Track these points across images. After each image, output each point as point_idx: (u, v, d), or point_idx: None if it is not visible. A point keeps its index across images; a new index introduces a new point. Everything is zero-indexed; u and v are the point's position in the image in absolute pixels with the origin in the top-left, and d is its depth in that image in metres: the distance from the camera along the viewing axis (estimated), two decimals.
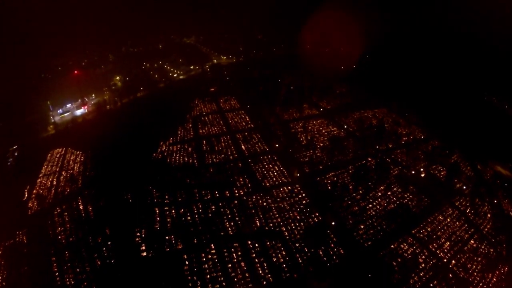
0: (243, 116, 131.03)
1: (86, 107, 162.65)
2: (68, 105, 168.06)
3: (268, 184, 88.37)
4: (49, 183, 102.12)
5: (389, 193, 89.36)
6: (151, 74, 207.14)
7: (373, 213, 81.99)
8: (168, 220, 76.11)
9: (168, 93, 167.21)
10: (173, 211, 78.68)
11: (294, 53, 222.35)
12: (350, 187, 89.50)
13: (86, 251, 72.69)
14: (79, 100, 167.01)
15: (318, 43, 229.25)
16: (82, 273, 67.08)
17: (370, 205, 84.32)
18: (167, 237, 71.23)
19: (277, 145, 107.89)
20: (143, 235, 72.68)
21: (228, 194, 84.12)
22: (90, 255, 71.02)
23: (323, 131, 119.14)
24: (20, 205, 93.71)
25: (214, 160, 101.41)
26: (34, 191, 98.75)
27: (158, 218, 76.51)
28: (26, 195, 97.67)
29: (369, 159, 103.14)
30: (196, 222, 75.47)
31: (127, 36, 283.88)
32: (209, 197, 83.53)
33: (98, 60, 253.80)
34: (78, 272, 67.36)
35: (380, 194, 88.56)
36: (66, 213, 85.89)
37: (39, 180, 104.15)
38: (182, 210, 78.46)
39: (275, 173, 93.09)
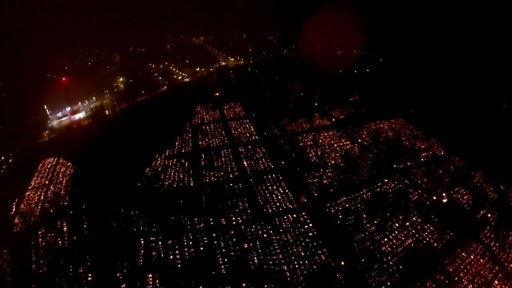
0: (247, 126, 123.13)
1: (75, 115, 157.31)
2: (68, 109, 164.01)
3: (270, 211, 79.41)
4: (36, 197, 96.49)
5: (407, 223, 79.23)
6: (155, 76, 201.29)
7: (389, 249, 72.11)
8: (154, 254, 68.30)
9: (170, 98, 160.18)
10: (160, 242, 70.81)
11: (305, 56, 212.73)
12: (364, 215, 79.67)
13: (66, 282, 66.18)
14: (71, 107, 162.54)
15: (330, 46, 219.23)
16: None
17: (386, 239, 74.35)
18: (150, 275, 63.14)
19: (283, 162, 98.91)
20: (124, 270, 65.17)
21: (224, 223, 75.69)
22: None
23: (335, 145, 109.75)
24: (6, 219, 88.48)
25: (212, 178, 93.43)
26: (21, 206, 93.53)
27: (142, 251, 68.69)
28: (13, 209, 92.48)
29: (386, 180, 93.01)
30: (185, 257, 67.28)
31: (136, 35, 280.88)
32: (202, 225, 75.31)
33: (104, 60, 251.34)
34: None
35: (397, 225, 78.49)
36: (49, 235, 79.96)
37: (27, 193, 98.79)
38: (170, 242, 70.42)
39: (279, 197, 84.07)
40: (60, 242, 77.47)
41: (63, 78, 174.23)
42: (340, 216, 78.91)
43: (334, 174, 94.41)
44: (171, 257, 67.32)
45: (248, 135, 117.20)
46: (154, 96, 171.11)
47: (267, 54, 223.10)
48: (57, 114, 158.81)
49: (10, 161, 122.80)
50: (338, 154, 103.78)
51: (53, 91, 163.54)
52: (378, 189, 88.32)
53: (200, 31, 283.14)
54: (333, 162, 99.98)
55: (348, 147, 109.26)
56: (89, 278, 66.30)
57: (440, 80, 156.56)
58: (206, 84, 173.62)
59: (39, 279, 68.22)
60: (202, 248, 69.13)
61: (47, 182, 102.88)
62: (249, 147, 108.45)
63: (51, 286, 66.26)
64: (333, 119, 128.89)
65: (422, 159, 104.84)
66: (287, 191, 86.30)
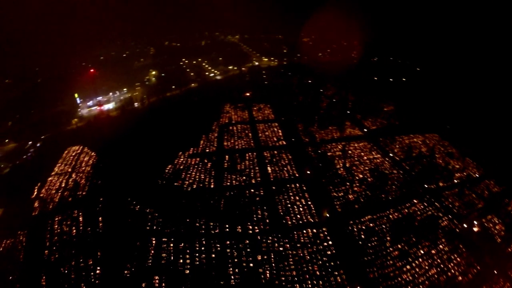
0: (275, 130, 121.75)
1: (102, 106, 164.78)
2: (99, 98, 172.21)
3: (289, 223, 76.86)
4: (58, 184, 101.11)
5: (433, 251, 73.32)
6: (187, 71, 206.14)
7: (410, 278, 66.79)
8: (163, 255, 68.14)
9: (200, 95, 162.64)
10: (171, 244, 70.79)
11: (340, 61, 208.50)
12: (388, 238, 74.80)
13: (75, 272, 68.33)
14: (100, 98, 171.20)
15: (365, 51, 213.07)
16: None
17: (408, 266, 69.04)
18: (156, 277, 63.02)
19: (308, 172, 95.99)
20: (132, 269, 65.79)
21: (240, 230, 74.19)
22: (77, 279, 66.67)
23: (365, 157, 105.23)
24: (28, 202, 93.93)
25: (233, 182, 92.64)
26: (43, 190, 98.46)
27: (152, 252, 69.02)
28: (35, 193, 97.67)
29: (415, 201, 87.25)
30: (195, 262, 66.57)
31: (173, 30, 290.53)
32: (216, 231, 74.33)
33: (139, 53, 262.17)
34: None
35: (422, 252, 72.79)
36: (64, 223, 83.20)
37: (50, 178, 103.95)
38: (182, 245, 70.09)
39: (300, 209, 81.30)
40: (74, 231, 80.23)
41: (91, 70, 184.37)
42: (363, 236, 74.69)
43: (361, 189, 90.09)
44: (181, 261, 66.94)
45: (275, 139, 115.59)
46: (184, 92, 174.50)
47: (301, 56, 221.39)
48: (88, 103, 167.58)
49: (38, 145, 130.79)
50: (367, 168, 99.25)
51: (84, 80, 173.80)
52: (406, 210, 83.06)
53: (236, 29, 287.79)
54: (361, 176, 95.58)
55: (378, 161, 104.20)
56: (97, 271, 67.76)
57: (483, 96, 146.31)
58: (238, 83, 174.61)
59: (49, 266, 70.82)
60: (213, 255, 68.07)
61: (69, 170, 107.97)
62: (275, 152, 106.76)
63: (59, 275, 68.15)
64: (365, 130, 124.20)
65: (455, 181, 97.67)
66: (309, 203, 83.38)
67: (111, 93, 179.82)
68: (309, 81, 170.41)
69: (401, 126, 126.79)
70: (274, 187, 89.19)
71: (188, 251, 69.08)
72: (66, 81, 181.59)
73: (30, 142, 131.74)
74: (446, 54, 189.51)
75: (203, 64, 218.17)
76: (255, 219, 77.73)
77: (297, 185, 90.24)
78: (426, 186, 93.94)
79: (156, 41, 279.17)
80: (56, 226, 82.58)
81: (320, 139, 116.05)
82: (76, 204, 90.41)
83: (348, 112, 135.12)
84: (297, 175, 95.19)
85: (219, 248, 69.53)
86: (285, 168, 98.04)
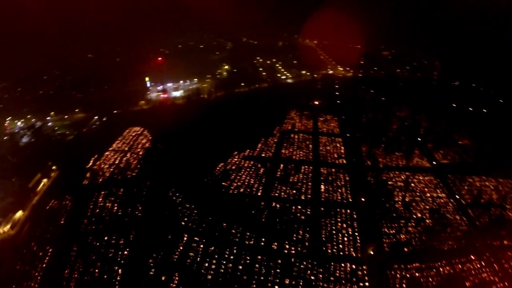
0: (338, 145, 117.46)
1: (166, 94, 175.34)
2: (169, 85, 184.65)
3: (329, 251, 71.84)
4: (112, 160, 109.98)
5: None
6: (259, 70, 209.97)
7: None
8: (191, 254, 68.70)
9: (267, 96, 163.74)
10: (201, 245, 71.18)
11: (420, 81, 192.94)
12: None
13: (104, 248, 72.96)
14: (164, 85, 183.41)
15: (449, 74, 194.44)
16: (84, 274, 67.04)
17: None
18: (177, 274, 63.84)
19: (363, 199, 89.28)
20: (158, 260, 67.80)
21: (275, 247, 71.41)
22: (104, 255, 71.08)
23: (428, 194, 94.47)
24: (81, 171, 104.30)
25: (282, 193, 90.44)
26: (97, 163, 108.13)
27: (181, 248, 70.24)
28: (90, 164, 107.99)
29: (472, 257, 74.52)
30: (219, 269, 65.83)
31: (253, 28, 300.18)
32: (251, 242, 72.60)
33: (215, 46, 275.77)
34: (80, 272, 67.69)
35: None
36: (108, 199, 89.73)
37: (107, 153, 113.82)
38: (212, 249, 69.84)
39: (345, 239, 75.71)
40: (115, 208, 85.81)
41: (159, 58, 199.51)
42: (404, 286, 65.88)
43: (415, 230, 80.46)
44: (206, 264, 66.70)
45: (335, 156, 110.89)
46: (253, 91, 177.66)
47: (378, 70, 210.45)
48: (158, 88, 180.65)
49: (104, 119, 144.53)
50: (427, 207, 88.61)
51: (154, 67, 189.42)
52: (460, 266, 71.50)
53: (316, 33, 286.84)
54: (419, 215, 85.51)
55: (442, 200, 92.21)
56: (125, 253, 71.30)
57: None
58: (308, 89, 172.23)
59: (83, 235, 76.71)
60: (240, 267, 66.47)
61: (126, 149, 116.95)
62: (333, 170, 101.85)
63: (90, 246, 73.29)
64: (434, 162, 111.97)
65: None
66: (356, 234, 77.33)
67: (181, 81, 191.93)
68: (382, 98, 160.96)
69: (474, 164, 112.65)
70: (322, 208, 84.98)
71: (216, 256, 68.58)
72: (140, 64, 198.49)
73: (96, 117, 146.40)
74: None
75: (277, 65, 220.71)
76: (294, 238, 74.35)
77: (348, 211, 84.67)
78: (489, 242, 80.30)
79: (234, 37, 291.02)
80: (100, 199, 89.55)
81: (383, 164, 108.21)
82: (123, 183, 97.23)
83: (419, 139, 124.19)
84: (350, 200, 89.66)
85: (248, 261, 67.69)
86: (339, 190, 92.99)
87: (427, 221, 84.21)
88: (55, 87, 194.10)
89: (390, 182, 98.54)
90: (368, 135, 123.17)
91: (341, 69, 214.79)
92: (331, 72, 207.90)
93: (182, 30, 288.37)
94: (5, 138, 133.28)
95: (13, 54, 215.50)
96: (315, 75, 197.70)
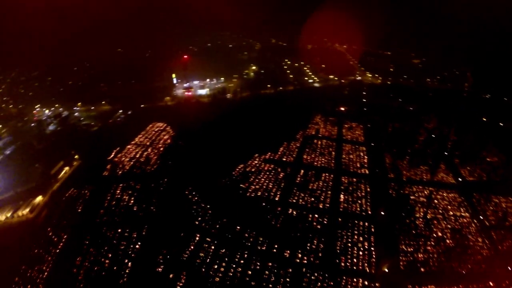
0: (361, 154, 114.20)
1: (190, 92, 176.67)
2: (195, 82, 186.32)
3: (342, 264, 69.28)
4: (133, 153, 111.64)
5: None
6: (287, 72, 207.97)
7: None
8: (201, 255, 68.13)
9: (293, 99, 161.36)
10: (213, 247, 70.47)
11: (451, 92, 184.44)
12: None
13: (117, 240, 74.12)
14: (197, 82, 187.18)
15: (481, 86, 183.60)
16: (95, 263, 68.33)
17: None
18: (184, 273, 63.42)
19: (382, 213, 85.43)
20: (168, 256, 67.91)
21: (287, 255, 69.50)
22: (116, 246, 72.15)
23: (451, 212, 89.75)
24: (103, 162, 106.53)
25: (300, 200, 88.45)
26: (119, 155, 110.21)
27: (192, 247, 69.96)
28: (111, 156, 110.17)
29: (491, 284, 68.82)
30: (228, 273, 64.85)
31: (280, 29, 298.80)
32: (263, 248, 71.04)
33: (245, 46, 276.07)
34: (91, 261, 68.90)
35: None
36: (126, 191, 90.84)
37: (128, 146, 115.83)
38: (222, 251, 68.93)
39: (360, 253, 72.86)
40: (131, 202, 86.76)
41: (185, 56, 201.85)
42: None
43: (434, 250, 76.45)
44: (215, 266, 65.99)
45: (358, 165, 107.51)
46: (278, 93, 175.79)
47: (407, 78, 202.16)
48: (184, 85, 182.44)
49: (129, 113, 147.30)
50: (449, 226, 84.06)
51: (181, 64, 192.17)
52: None
53: (347, 37, 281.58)
54: (440, 234, 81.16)
55: (465, 220, 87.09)
56: (137, 246, 71.91)
57: None
58: (334, 95, 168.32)
59: (98, 225, 78.14)
60: (249, 272, 65.20)
61: (148, 144, 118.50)
62: (354, 180, 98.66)
63: (103, 237, 74.52)
64: (460, 179, 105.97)
65: None
66: (372, 249, 74.13)
67: (208, 79, 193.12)
68: (410, 108, 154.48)
69: (501, 184, 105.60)
70: (340, 219, 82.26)
71: (226, 259, 67.73)
72: (168, 61, 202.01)
73: (120, 110, 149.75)
74: None
75: (305, 68, 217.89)
76: (307, 248, 72.34)
77: (366, 224, 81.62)
78: (510, 268, 74.13)
79: (264, 38, 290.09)
80: (118, 191, 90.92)
81: (406, 177, 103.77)
82: (142, 177, 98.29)
83: (446, 153, 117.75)
84: (369, 212, 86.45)
85: (258, 267, 66.30)
86: (359, 201, 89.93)
87: (448, 241, 79.93)
88: (84, 78, 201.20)
89: (412, 197, 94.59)
90: (393, 145, 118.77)
91: (370, 75, 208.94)
92: (359, 78, 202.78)
93: (212, 28, 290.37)
94: (32, 125, 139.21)
95: (45, 43, 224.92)
96: (342, 81, 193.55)
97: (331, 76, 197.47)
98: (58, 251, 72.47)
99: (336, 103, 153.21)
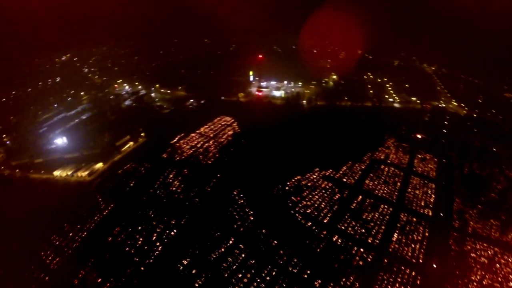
0: (429, 192, 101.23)
1: (261, 92, 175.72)
2: (273, 83, 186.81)
3: None
4: (195, 142, 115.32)
5: None
6: (367, 87, 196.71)
7: None
8: (229, 259, 66.91)
9: (368, 117, 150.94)
10: (243, 255, 68.63)
11: None
12: None
13: (156, 221, 77.20)
14: (274, 83, 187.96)
15: None
16: (129, 237, 72.15)
17: None
18: (209, 274, 62.58)
19: (434, 265, 74.10)
20: (196, 252, 68.59)
21: (317, 285, 64.39)
22: (152, 227, 75.17)
23: (511, 284, 72.82)
24: (165, 144, 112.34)
25: (349, 229, 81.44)
26: (181, 141, 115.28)
27: (222, 250, 69.17)
28: (175, 140, 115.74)
29: None
30: (251, 285, 62.49)
31: (367, 39, 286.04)
32: (294, 271, 66.89)
33: (328, 53, 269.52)
34: (127, 234, 72.83)
35: None
36: (178, 178, 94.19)
37: (192, 134, 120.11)
38: (251, 262, 66.47)
39: None
40: (179, 190, 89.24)
41: (260, 56, 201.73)
42: None
43: None
44: (240, 275, 63.99)
45: (422, 203, 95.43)
46: (355, 107, 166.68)
47: (496, 113, 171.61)
48: (261, 83, 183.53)
49: (202, 102, 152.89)
50: None
51: (258, 63, 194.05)
52: None
53: (434, 59, 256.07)
54: None
55: None
56: (172, 233, 73.75)
57: None
58: (413, 119, 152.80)
59: (143, 204, 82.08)
60: None
61: (211, 135, 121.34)
62: (413, 219, 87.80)
63: (144, 216, 77.93)
64: None
65: None
66: None
67: (285, 82, 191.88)
68: (494, 149, 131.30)
69: None
70: (386, 260, 73.53)
71: (252, 271, 65.15)
72: (246, 58, 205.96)
73: (191, 100, 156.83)
74: None
75: (387, 85, 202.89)
76: (342, 283, 65.83)
77: (413, 273, 71.60)
78: None
79: (351, 47, 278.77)
80: (171, 176, 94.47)
81: (472, 229, 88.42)
82: (195, 168, 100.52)
83: None
84: (421, 261, 75.67)
85: None
86: (413, 245, 79.45)
87: None
88: (167, 62, 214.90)
89: (472, 254, 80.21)
90: (466, 189, 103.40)
91: (455, 104, 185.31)
92: (443, 105, 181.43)
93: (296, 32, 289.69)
94: (111, 97, 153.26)
95: (139, 26, 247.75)
96: (424, 105, 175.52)
97: (414, 98, 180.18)
98: (101, 217, 78.53)
99: (413, 129, 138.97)
